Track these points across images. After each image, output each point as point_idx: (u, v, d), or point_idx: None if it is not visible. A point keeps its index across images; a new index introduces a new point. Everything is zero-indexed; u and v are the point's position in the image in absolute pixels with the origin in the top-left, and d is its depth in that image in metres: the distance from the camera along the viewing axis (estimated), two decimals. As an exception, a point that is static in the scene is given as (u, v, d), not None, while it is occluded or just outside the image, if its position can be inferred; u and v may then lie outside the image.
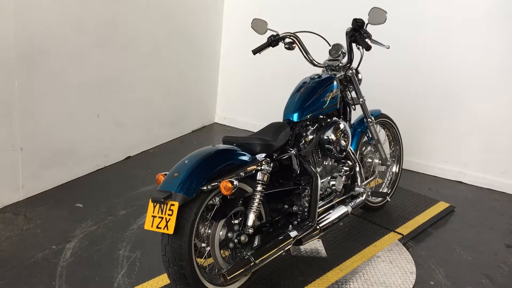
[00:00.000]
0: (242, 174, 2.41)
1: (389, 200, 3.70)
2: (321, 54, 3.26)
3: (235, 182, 2.28)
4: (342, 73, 3.20)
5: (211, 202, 2.42)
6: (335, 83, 3.07)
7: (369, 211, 3.65)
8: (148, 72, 4.63)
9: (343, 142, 3.01)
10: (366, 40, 3.04)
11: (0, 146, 3.41)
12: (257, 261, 2.41)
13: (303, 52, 3.18)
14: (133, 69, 4.44)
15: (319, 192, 2.83)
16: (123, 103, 4.41)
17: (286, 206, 2.83)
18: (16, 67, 3.39)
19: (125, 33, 4.28)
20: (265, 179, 2.50)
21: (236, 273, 2.33)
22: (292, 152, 2.82)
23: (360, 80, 3.33)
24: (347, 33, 3.16)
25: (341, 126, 3.02)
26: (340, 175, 3.06)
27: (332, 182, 3.00)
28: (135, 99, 4.55)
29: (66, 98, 3.83)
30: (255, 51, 3.20)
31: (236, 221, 2.49)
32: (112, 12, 4.11)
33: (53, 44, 3.62)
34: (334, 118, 3.09)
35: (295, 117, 2.86)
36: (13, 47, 3.34)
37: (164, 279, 2.73)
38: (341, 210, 3.02)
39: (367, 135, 3.48)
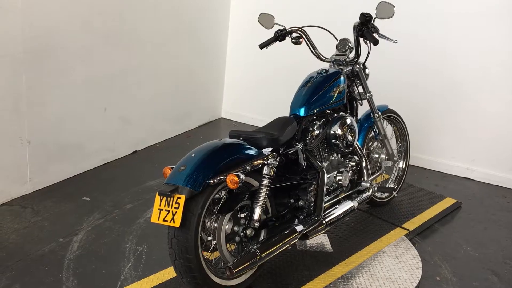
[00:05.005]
0: (248, 168, 2.41)
1: (396, 195, 3.69)
2: (328, 49, 3.25)
3: (242, 176, 2.28)
4: (349, 68, 3.19)
5: (217, 195, 2.42)
6: (342, 78, 3.06)
7: (375, 207, 3.64)
8: (155, 68, 4.65)
9: (349, 137, 3.00)
10: (374, 34, 3.02)
11: (8, 140, 3.43)
12: (263, 255, 2.41)
13: (310, 47, 3.17)
14: (140, 65, 4.45)
15: (325, 187, 2.83)
16: (130, 98, 4.43)
17: (292, 201, 2.83)
18: (24, 62, 3.41)
19: (132, 29, 4.29)
20: (272, 173, 2.50)
21: (242, 266, 2.34)
22: (299, 146, 2.81)
23: (367, 75, 3.32)
24: (354, 28, 3.14)
25: (348, 121, 3.01)
26: (346, 170, 3.06)
27: (338, 177, 3.00)
28: (142, 95, 4.56)
29: (73, 93, 3.85)
30: (262, 46, 3.20)
31: (242, 215, 2.49)
32: (119, 8, 4.12)
33: (60, 40, 3.64)
34: (341, 113, 3.09)
35: (301, 112, 2.86)
36: (21, 43, 3.36)
37: (170, 272, 2.74)
38: (347, 205, 3.02)
39: (374, 130, 3.47)
